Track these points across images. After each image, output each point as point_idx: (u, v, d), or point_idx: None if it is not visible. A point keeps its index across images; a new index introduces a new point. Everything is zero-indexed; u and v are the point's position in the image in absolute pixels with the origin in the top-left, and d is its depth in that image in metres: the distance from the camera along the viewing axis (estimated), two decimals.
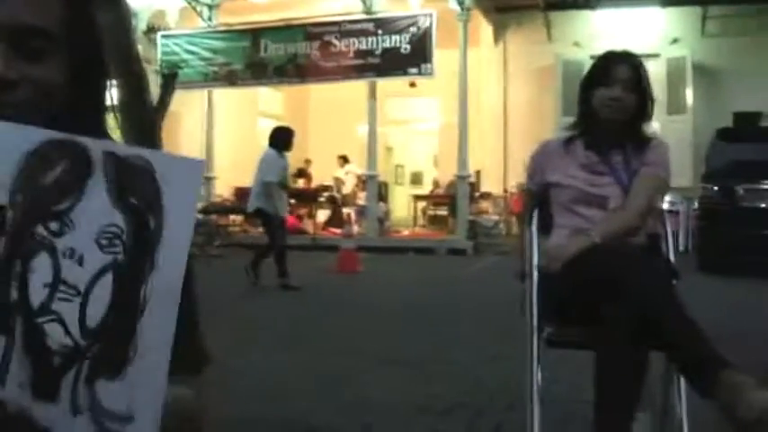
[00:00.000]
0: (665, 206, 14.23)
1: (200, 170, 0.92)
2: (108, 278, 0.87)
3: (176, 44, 17.41)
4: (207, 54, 17.26)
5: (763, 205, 11.38)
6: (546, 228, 3.27)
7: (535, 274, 3.09)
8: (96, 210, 0.89)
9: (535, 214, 3.31)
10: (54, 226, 0.88)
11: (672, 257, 3.17)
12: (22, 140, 0.90)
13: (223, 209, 17.31)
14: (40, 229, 0.88)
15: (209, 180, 17.34)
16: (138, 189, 0.89)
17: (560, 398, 4.05)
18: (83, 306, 0.87)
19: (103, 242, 0.88)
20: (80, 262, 0.87)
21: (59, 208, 0.89)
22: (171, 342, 0.86)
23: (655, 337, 2.61)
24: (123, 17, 12.62)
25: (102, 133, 1.15)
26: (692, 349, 2.56)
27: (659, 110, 15.27)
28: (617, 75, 3.10)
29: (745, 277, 11.28)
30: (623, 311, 2.62)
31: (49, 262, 0.87)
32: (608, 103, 3.10)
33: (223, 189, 18.23)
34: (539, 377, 2.97)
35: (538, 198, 3.32)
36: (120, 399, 0.85)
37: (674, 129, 17.03)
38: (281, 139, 9.85)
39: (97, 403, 0.85)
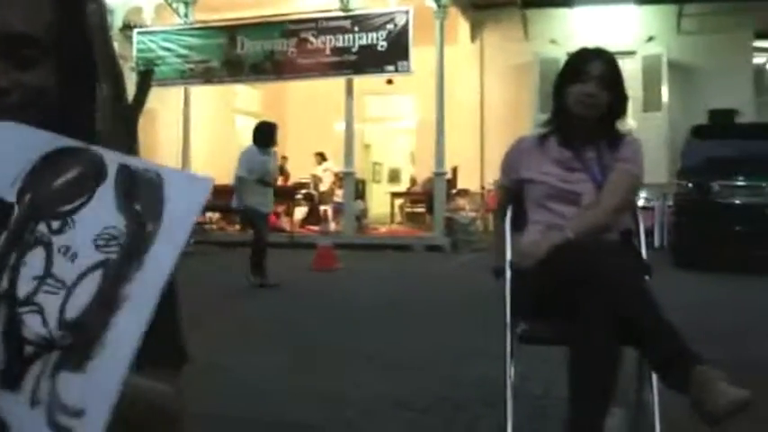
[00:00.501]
0: (640, 202, 14.37)
1: (207, 187, 0.93)
2: (97, 275, 0.88)
3: (152, 41, 17.30)
4: (183, 51, 17.16)
5: (738, 202, 11.46)
6: (520, 224, 3.29)
7: (509, 270, 3.10)
8: (100, 213, 0.91)
9: (509, 210, 3.33)
10: (55, 224, 0.91)
11: (644, 253, 3.19)
12: (40, 143, 0.94)
13: None
14: (42, 227, 0.91)
15: None
16: (142, 197, 0.91)
17: (537, 394, 4.08)
18: (65, 299, 0.87)
19: (100, 242, 0.89)
20: (73, 258, 0.89)
21: (64, 209, 0.91)
22: (136, 346, 0.86)
23: (627, 332, 2.63)
24: (100, 15, 12.60)
25: (92, 134, 1.16)
26: (663, 345, 2.58)
27: (635, 107, 15.47)
28: (591, 71, 3.11)
29: (719, 273, 11.37)
30: (596, 308, 2.64)
31: (43, 256, 0.89)
32: (582, 99, 3.11)
33: None
34: (512, 373, 2.99)
35: (512, 194, 3.34)
36: (76, 393, 0.85)
37: (649, 126, 17.14)
38: (261, 134, 9.74)
39: (55, 396, 0.85)
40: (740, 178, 11.51)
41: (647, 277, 3.03)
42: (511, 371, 2.99)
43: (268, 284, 9.31)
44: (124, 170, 0.93)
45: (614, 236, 3.08)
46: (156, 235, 0.89)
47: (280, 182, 18.78)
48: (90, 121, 1.20)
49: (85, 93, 1.19)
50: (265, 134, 9.73)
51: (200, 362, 4.81)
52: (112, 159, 0.93)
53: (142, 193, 0.91)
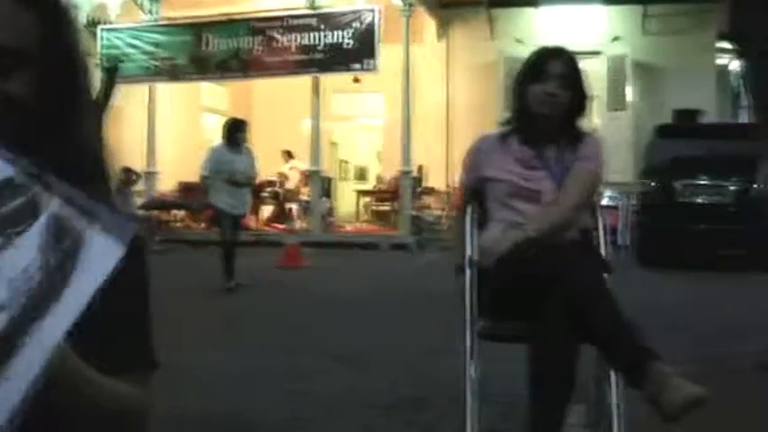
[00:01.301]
0: (605, 201, 14.44)
1: (120, 252, 0.93)
2: (2, 316, 0.88)
3: (118, 38, 17.15)
4: (149, 48, 17.04)
5: (700, 201, 11.59)
6: (483, 222, 3.30)
7: (470, 268, 3.11)
8: (18, 258, 0.91)
9: (471, 209, 3.34)
10: None
11: (604, 252, 3.21)
12: None
13: (165, 204, 17.15)
14: None
15: (151, 175, 17.16)
16: (60, 253, 0.92)
17: (501, 391, 4.08)
18: None
19: (14, 285, 0.90)
20: None
21: None
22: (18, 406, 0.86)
23: (586, 330, 2.65)
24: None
25: (74, 141, 1.17)
26: (620, 342, 2.60)
27: (600, 107, 15.56)
28: (551, 70, 3.13)
29: (682, 272, 11.47)
30: (554, 306, 2.66)
31: None
32: (542, 98, 3.13)
33: (166, 184, 18.05)
34: (472, 370, 2.99)
35: (474, 192, 3.35)
36: None
37: (614, 125, 17.26)
38: (228, 132, 9.43)
39: None
40: (703, 178, 11.63)
41: (606, 275, 3.06)
42: (471, 368, 3.00)
43: (230, 287, 8.97)
44: (55, 222, 0.93)
45: (574, 234, 3.10)
46: (59, 297, 0.90)
47: None
48: (75, 130, 1.19)
49: (69, 101, 1.18)
50: (231, 132, 9.40)
51: (161, 361, 4.77)
52: (49, 206, 0.93)
53: (60, 251, 0.92)
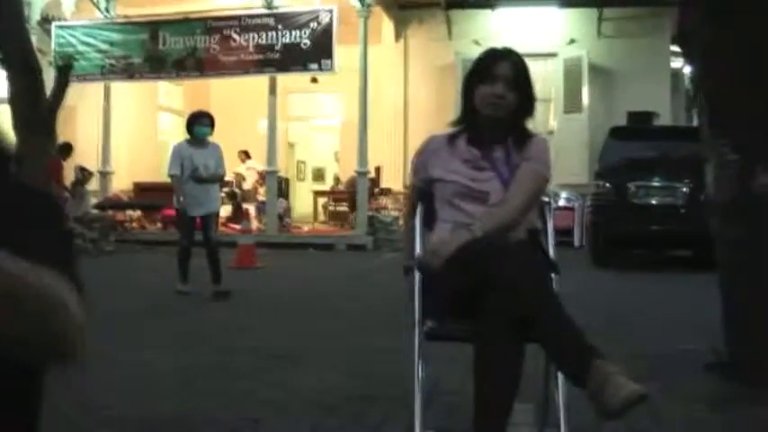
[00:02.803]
0: (561, 202, 14.60)
1: None
2: None
3: (72, 35, 16.97)
4: (104, 46, 16.87)
5: (654, 202, 11.73)
6: (431, 223, 3.31)
7: (417, 268, 3.11)
8: None
9: (419, 209, 3.35)
10: None
11: (552, 252, 3.23)
12: None
13: (119, 204, 17.00)
14: None
15: (105, 175, 17.00)
16: None
17: (449, 391, 4.10)
18: None
19: None
20: None
21: None
22: None
23: (530, 329, 2.67)
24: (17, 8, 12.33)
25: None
26: (562, 341, 2.62)
27: (557, 108, 15.71)
28: (498, 72, 3.14)
29: (634, 272, 11.63)
30: (498, 306, 2.67)
31: None
32: (490, 100, 3.14)
33: (121, 184, 17.89)
34: (420, 369, 3.00)
35: (422, 193, 3.36)
36: None
37: (570, 127, 17.43)
38: (186, 125, 8.93)
39: None
40: (656, 179, 11.78)
41: (554, 275, 3.09)
42: (419, 368, 3.01)
43: (182, 291, 8.52)
44: None
45: (521, 234, 3.11)
46: None
47: None
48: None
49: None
50: (189, 125, 8.87)
51: (109, 360, 4.71)
52: None
53: None
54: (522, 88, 3.18)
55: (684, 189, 11.41)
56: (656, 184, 11.77)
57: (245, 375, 4.71)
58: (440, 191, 3.23)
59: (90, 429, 3.59)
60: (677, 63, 18.53)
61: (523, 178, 3.13)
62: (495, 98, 3.14)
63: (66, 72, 13.50)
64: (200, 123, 8.80)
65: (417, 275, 3.09)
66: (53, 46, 16.51)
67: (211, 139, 9.01)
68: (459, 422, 3.55)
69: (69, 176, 14.98)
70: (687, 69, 18.29)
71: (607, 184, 11.98)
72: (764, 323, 4.52)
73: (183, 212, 8.76)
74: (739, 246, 4.67)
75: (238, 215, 16.99)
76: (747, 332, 4.63)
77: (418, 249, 3.22)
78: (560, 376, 2.91)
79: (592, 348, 2.60)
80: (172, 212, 12.96)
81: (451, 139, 3.28)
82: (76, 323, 1.13)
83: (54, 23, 17.03)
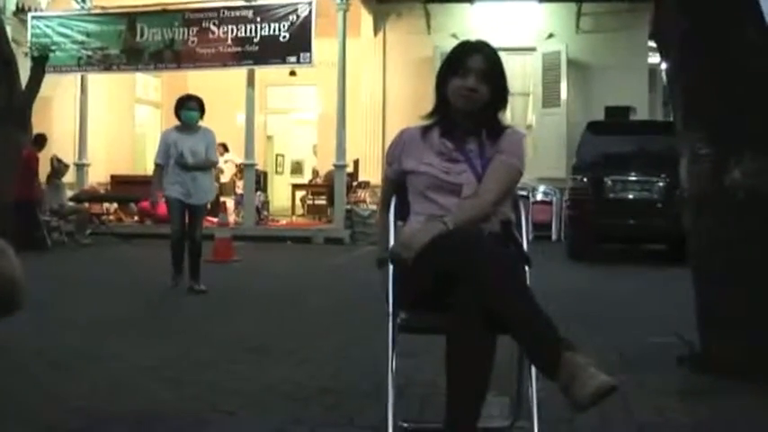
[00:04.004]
0: (539, 197, 14.68)
1: None
2: None
3: (48, 26, 16.80)
4: (80, 37, 16.71)
5: (630, 196, 11.79)
6: (405, 215, 3.31)
7: (391, 260, 3.11)
8: None
9: (393, 201, 3.35)
10: None
11: (525, 244, 3.23)
12: None
13: (96, 197, 16.90)
14: None
15: (82, 167, 16.88)
16: None
17: (423, 383, 4.11)
18: None
19: None
20: None
21: None
22: None
23: (502, 321, 2.67)
24: None
25: None
26: (535, 333, 2.63)
27: (535, 103, 15.74)
28: (470, 65, 3.14)
29: (610, 265, 11.70)
30: (469, 297, 2.68)
31: None
32: (461, 93, 3.15)
33: (98, 176, 17.77)
34: (393, 362, 3.00)
35: (396, 185, 3.36)
36: None
37: (549, 121, 17.48)
38: (174, 110, 8.50)
39: None
40: (632, 174, 11.83)
41: (527, 267, 3.09)
42: (392, 361, 3.01)
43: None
44: None
45: (495, 227, 3.12)
46: None
47: None
48: None
49: None
50: (175, 109, 8.45)
51: (78, 353, 4.69)
52: None
53: None
54: (495, 81, 3.18)
55: (661, 183, 11.47)
56: (632, 178, 11.82)
57: (218, 368, 4.69)
58: (413, 183, 3.23)
59: (59, 422, 3.56)
60: (655, 58, 18.56)
61: (496, 171, 3.13)
62: (466, 91, 3.14)
63: (41, 63, 13.37)
64: (186, 107, 8.40)
65: (391, 268, 3.08)
66: (29, 37, 16.32)
67: (203, 124, 8.62)
68: (432, 414, 3.55)
69: (44, 168, 14.87)
70: (664, 65, 18.38)
71: (584, 179, 12.03)
72: (734, 316, 4.55)
73: (171, 202, 8.22)
74: (711, 239, 4.70)
75: (215, 208, 16.93)
76: (718, 325, 4.66)
77: (392, 241, 3.22)
78: (533, 368, 2.93)
79: (563, 340, 2.61)
80: (147, 205, 12.90)
81: (425, 131, 3.28)
82: (15, 267, 1.14)
83: (30, 14, 16.85)
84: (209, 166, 8.58)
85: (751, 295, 4.51)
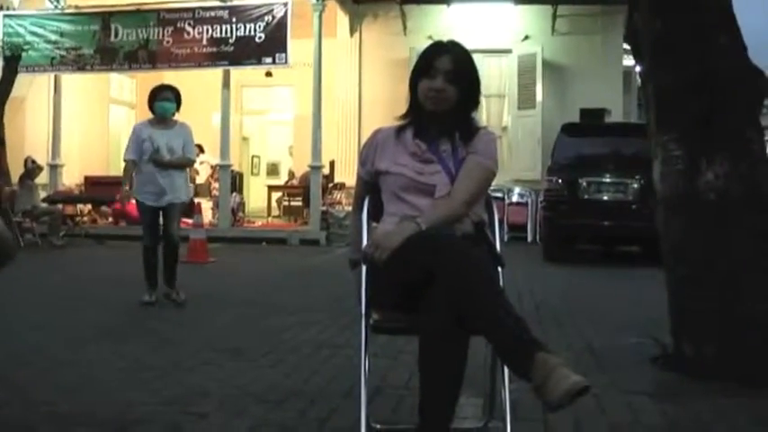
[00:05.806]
0: (515, 198, 14.71)
1: None
2: None
3: (20, 25, 16.65)
4: (54, 37, 16.57)
5: (605, 198, 11.84)
6: (378, 216, 3.30)
7: (363, 262, 3.10)
8: None
9: (366, 202, 3.34)
10: None
11: (498, 245, 3.23)
12: None
13: (70, 198, 16.77)
14: None
15: (55, 168, 16.74)
16: None
17: (397, 384, 4.11)
18: None
19: None
20: None
21: None
22: None
23: (474, 322, 2.67)
24: None
25: None
26: (508, 333, 2.62)
27: (511, 105, 15.80)
28: (439, 66, 3.14)
29: (585, 266, 11.76)
30: (442, 299, 2.67)
31: None
32: (430, 94, 3.15)
33: (71, 177, 17.65)
34: (366, 363, 2.99)
35: (369, 186, 3.35)
36: None
37: (524, 123, 17.53)
38: (147, 102, 7.73)
39: None
40: (607, 175, 11.88)
41: (499, 268, 3.09)
42: (365, 362, 3.00)
43: (146, 301, 7.41)
44: None
45: (467, 227, 3.12)
46: None
47: None
48: None
49: None
50: (149, 101, 7.68)
51: (51, 356, 4.65)
52: None
53: None
54: (464, 82, 3.17)
55: (635, 185, 11.52)
56: (607, 180, 11.87)
57: (190, 370, 4.65)
58: (386, 184, 3.23)
59: (32, 426, 3.52)
60: (629, 61, 18.69)
61: (469, 171, 3.13)
62: (433, 92, 3.14)
63: (14, 63, 13.29)
64: (161, 98, 7.63)
65: (363, 268, 3.07)
66: (1, 36, 16.20)
67: (179, 117, 7.96)
68: (405, 416, 3.55)
69: (17, 168, 14.76)
70: (638, 68, 18.49)
71: (559, 180, 12.07)
72: (706, 317, 4.57)
73: (142, 204, 7.56)
74: (683, 240, 4.73)
75: (190, 209, 16.85)
76: (690, 325, 4.69)
77: (365, 242, 3.21)
78: (506, 369, 2.93)
79: (536, 341, 2.61)
80: (119, 206, 12.80)
81: (399, 131, 3.28)
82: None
83: (1, 12, 16.72)
84: (186, 164, 7.96)
85: (722, 296, 4.53)
